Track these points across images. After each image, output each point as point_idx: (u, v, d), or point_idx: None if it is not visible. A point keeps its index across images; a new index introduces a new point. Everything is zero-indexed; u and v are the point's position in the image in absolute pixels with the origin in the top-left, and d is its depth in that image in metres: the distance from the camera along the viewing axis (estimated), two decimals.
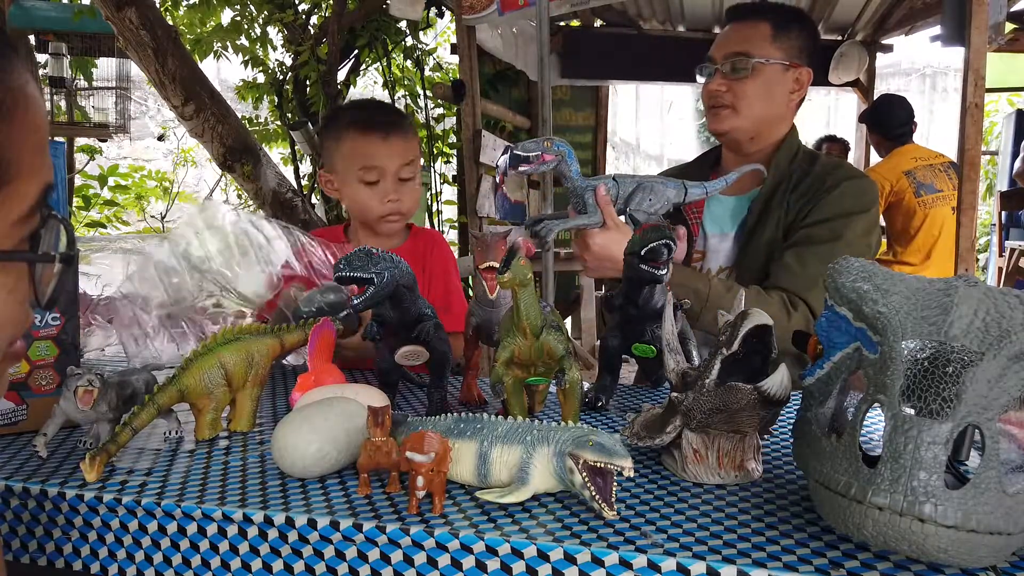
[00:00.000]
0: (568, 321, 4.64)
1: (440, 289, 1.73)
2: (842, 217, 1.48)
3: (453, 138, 4.74)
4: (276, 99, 4.48)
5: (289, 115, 4.42)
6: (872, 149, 4.42)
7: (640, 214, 1.32)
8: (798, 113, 1.64)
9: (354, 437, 0.88)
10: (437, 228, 4.54)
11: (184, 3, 4.23)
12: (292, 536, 0.76)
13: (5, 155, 0.48)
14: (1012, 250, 5.06)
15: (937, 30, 3.31)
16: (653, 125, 11.86)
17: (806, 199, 1.52)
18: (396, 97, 4.63)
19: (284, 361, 1.46)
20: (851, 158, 5.07)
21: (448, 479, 0.83)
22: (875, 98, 4.36)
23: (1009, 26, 4.04)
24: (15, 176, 0.48)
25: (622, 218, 1.37)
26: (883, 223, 3.93)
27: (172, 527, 0.81)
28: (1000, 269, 5.15)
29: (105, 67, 4.76)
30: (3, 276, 0.50)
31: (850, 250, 1.44)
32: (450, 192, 4.87)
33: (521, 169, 1.29)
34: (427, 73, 4.69)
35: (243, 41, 4.25)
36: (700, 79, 1.62)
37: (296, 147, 4.43)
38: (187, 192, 5.86)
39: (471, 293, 1.45)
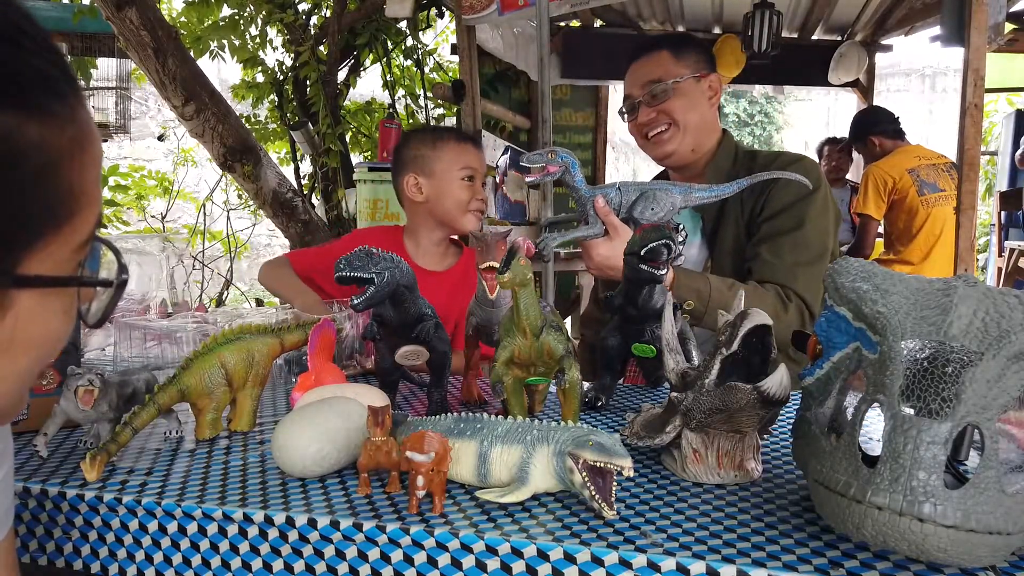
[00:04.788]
0: (568, 321, 4.64)
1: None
2: (796, 203, 1.53)
3: None
4: (276, 99, 4.48)
5: (289, 115, 4.42)
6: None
7: (644, 222, 1.33)
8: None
9: (354, 437, 0.88)
10: None
11: (183, 1, 4.23)
12: (292, 536, 0.77)
13: (76, 187, 0.50)
14: (1011, 250, 5.06)
15: (937, 30, 3.31)
16: None
17: (756, 194, 1.57)
18: (396, 97, 4.63)
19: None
20: (853, 159, 5.07)
21: (448, 479, 0.83)
22: (854, 117, 4.37)
23: (1009, 26, 4.04)
24: (83, 207, 0.51)
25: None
26: (884, 222, 3.94)
27: (172, 527, 0.81)
28: (999, 269, 5.15)
29: (105, 67, 4.76)
30: (60, 300, 0.53)
31: (816, 229, 1.52)
32: None
33: (527, 180, 1.32)
34: (427, 73, 4.69)
35: (239, 41, 4.24)
36: (626, 120, 1.71)
37: (296, 147, 4.43)
38: (187, 191, 5.85)
39: None
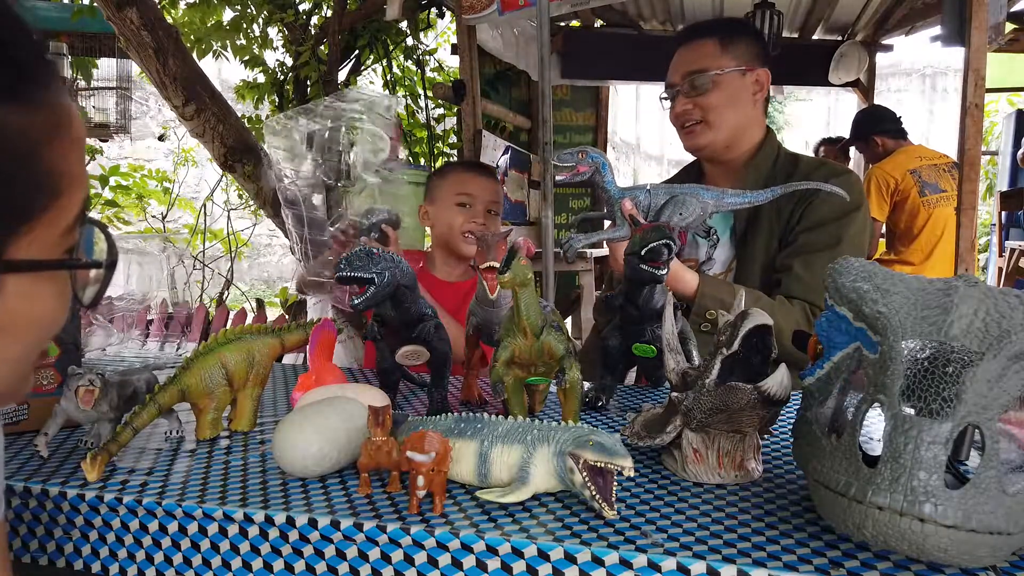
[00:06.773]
0: (568, 321, 4.64)
1: None
2: (836, 219, 1.50)
3: (453, 138, 4.73)
4: (277, 99, 4.48)
5: None
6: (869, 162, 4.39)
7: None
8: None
9: (355, 437, 0.88)
10: None
11: (183, 2, 4.23)
12: (293, 535, 0.77)
13: (58, 170, 0.50)
14: (1012, 250, 5.06)
15: (937, 30, 3.30)
16: (653, 125, 11.85)
17: (795, 202, 1.54)
18: (396, 97, 4.63)
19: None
20: (851, 159, 5.07)
21: (448, 479, 0.83)
22: (856, 116, 4.37)
23: (1009, 26, 4.03)
24: (65, 189, 0.51)
25: None
26: (885, 222, 3.94)
27: (173, 526, 0.81)
28: (1000, 269, 5.16)
29: (106, 67, 4.75)
30: (52, 283, 0.53)
31: (852, 249, 1.49)
32: None
33: (558, 178, 1.32)
34: (428, 73, 4.69)
35: (242, 41, 4.24)
36: (665, 106, 1.67)
37: None
38: (187, 197, 5.86)
39: None
